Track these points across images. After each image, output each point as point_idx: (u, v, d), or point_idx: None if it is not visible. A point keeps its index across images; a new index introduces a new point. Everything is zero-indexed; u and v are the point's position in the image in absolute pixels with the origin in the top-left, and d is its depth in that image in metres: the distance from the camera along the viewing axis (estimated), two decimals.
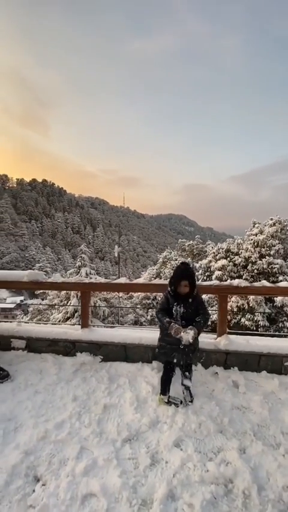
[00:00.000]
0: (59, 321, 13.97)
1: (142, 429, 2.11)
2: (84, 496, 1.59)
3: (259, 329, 12.13)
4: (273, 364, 2.91)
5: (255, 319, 12.44)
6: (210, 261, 16.11)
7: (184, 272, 2.28)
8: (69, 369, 2.92)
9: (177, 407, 2.31)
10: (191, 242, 25.75)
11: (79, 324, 3.49)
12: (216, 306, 3.22)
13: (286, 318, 12.68)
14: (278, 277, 13.13)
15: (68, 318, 14.25)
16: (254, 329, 12.22)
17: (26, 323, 3.94)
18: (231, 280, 3.17)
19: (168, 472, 1.74)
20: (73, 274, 15.78)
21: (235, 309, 12.77)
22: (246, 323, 12.47)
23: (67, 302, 15.22)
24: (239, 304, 12.80)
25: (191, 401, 2.37)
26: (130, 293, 18.84)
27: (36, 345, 3.28)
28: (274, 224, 15.34)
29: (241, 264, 14.73)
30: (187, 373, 2.45)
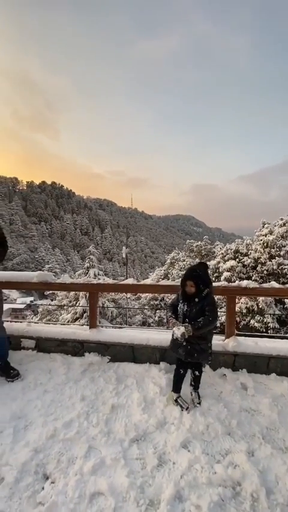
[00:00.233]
0: (68, 322, 14.14)
1: (149, 429, 2.12)
2: (92, 495, 1.61)
3: (269, 331, 11.94)
4: (282, 366, 2.87)
5: (265, 321, 12.25)
6: (218, 262, 15.95)
7: (188, 273, 2.33)
8: (78, 369, 2.95)
9: (182, 410, 2.29)
10: (199, 243, 25.58)
11: (87, 325, 3.52)
12: (225, 307, 3.20)
13: None
14: None
15: (76, 319, 14.40)
16: (264, 330, 12.03)
17: (35, 323, 4.01)
18: (240, 281, 3.15)
19: (176, 473, 1.74)
20: (81, 275, 15.94)
21: (244, 311, 12.61)
22: (256, 324, 12.30)
23: (76, 303, 15.38)
24: (248, 306, 12.63)
25: (199, 403, 2.37)
26: (138, 294, 18.87)
27: (45, 345, 3.34)
28: (284, 224, 15.08)
29: (250, 265, 14.53)
30: (196, 372, 2.46)
